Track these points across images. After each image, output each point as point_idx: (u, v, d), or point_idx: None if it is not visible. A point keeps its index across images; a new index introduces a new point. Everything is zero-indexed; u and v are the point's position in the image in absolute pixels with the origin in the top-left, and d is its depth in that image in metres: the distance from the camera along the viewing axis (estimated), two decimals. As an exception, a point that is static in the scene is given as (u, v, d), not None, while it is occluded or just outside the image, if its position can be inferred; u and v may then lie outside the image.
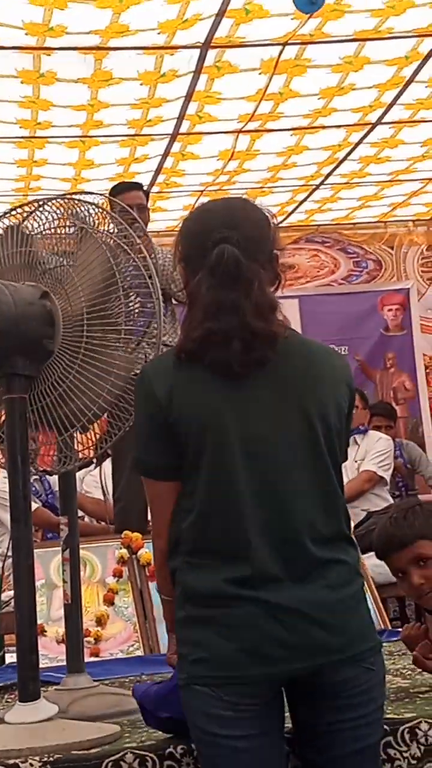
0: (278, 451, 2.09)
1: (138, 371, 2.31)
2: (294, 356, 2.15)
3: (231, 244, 2.11)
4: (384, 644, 2.32)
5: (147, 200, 5.21)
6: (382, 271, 8.95)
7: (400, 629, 4.78)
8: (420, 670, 2.94)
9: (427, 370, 8.78)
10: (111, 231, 2.77)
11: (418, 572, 2.57)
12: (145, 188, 5.39)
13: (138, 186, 5.23)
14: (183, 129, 6.42)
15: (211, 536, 2.07)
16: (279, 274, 2.19)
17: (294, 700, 2.11)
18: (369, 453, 6.02)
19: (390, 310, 8.82)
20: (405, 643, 2.74)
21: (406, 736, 2.31)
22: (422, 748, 2.30)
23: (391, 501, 6.18)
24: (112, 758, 2.25)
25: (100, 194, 3.03)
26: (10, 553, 2.75)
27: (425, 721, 2.33)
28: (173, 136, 6.50)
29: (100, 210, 2.76)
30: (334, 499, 2.14)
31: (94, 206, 2.77)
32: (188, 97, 5.94)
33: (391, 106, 6.40)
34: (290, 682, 2.08)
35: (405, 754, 2.30)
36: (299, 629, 2.02)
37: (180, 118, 6.22)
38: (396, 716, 2.32)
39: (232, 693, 2.01)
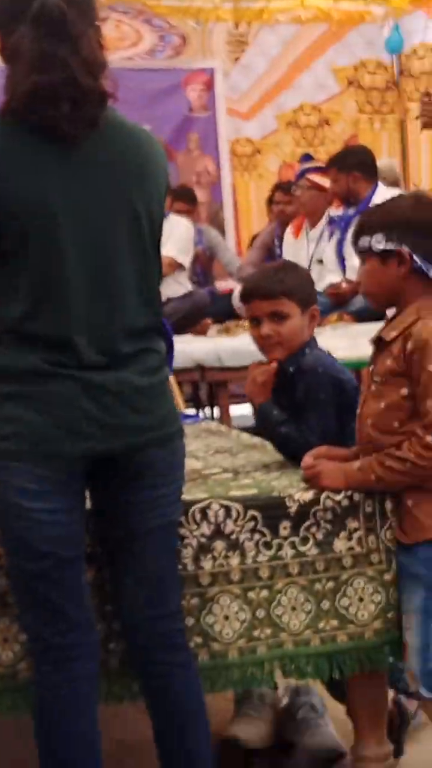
0: (106, 241, 2.07)
1: None
2: (120, 138, 2.09)
3: None
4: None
5: None
6: (188, 48, 8.62)
7: (192, 412, 4.90)
8: (213, 450, 3.01)
9: (232, 154, 8.66)
10: None
11: (271, 325, 2.70)
12: None
13: None
14: None
15: (31, 321, 2.04)
16: (102, 46, 2.08)
17: (101, 478, 2.16)
18: (169, 238, 5.94)
19: (195, 89, 8.56)
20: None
21: (198, 516, 2.35)
22: (212, 527, 2.36)
23: (190, 288, 6.19)
24: None
25: None
26: None
27: (216, 502, 2.37)
28: None
29: None
30: (153, 291, 2.17)
31: None
32: None
33: None
34: (99, 461, 2.12)
35: (195, 533, 2.35)
36: (114, 409, 2.07)
37: None
38: (188, 497, 2.35)
39: (44, 468, 2.04)
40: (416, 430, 2.33)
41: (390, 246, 2.40)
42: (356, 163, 5.59)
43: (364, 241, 2.45)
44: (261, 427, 2.81)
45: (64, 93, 1.99)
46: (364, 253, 2.47)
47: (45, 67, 1.98)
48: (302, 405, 2.68)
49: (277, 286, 2.70)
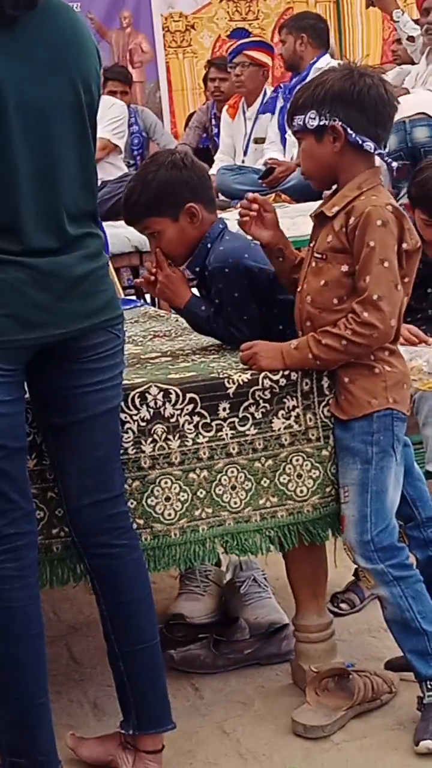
0: (51, 124, 2.04)
1: None
2: (58, 19, 2.06)
3: None
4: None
5: None
6: None
7: (133, 297, 4.87)
8: (151, 335, 3.00)
9: (165, 31, 8.42)
10: None
11: (153, 243, 2.68)
12: None
13: None
14: None
15: None
16: None
17: (41, 366, 2.16)
18: (102, 120, 5.80)
19: (125, -37, 8.27)
20: None
21: (137, 401, 2.36)
22: (151, 411, 2.37)
23: (126, 170, 6.08)
24: None
25: None
26: None
27: (155, 386, 2.38)
28: None
29: None
30: (91, 175, 2.16)
31: None
32: None
33: None
34: (45, 349, 2.12)
35: (135, 418, 2.36)
36: (60, 295, 2.08)
37: None
38: (127, 382, 2.35)
39: None
40: (353, 306, 2.34)
41: (323, 121, 2.36)
42: (309, 25, 5.43)
43: (299, 120, 2.40)
44: (192, 325, 2.77)
45: None
46: (300, 133, 2.43)
47: None
48: (220, 306, 2.64)
49: (135, 212, 2.63)
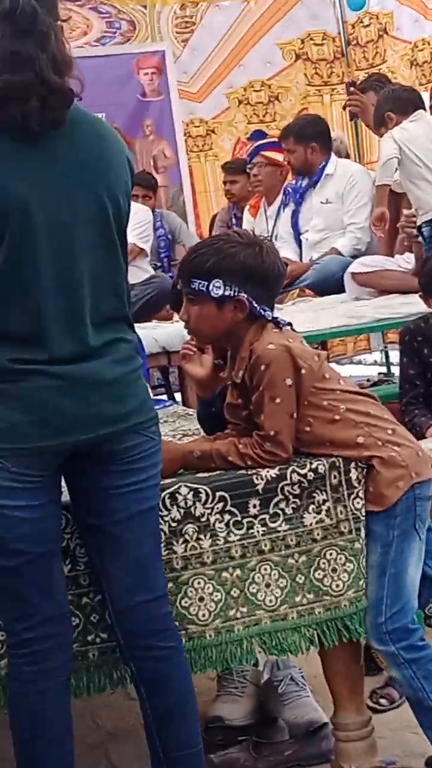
0: (75, 237, 2.10)
1: None
2: (84, 132, 2.13)
3: None
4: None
5: None
6: (136, 33, 8.56)
7: (163, 397, 4.90)
8: (181, 434, 3.03)
9: (186, 137, 8.63)
10: None
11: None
12: None
13: None
14: None
15: (2, 319, 2.07)
16: (65, 43, 2.10)
17: (79, 468, 2.18)
18: (128, 225, 5.92)
19: (146, 74, 8.50)
20: None
21: (167, 501, 2.37)
22: (182, 510, 2.38)
23: (152, 272, 6.19)
24: None
25: None
26: None
27: (184, 485, 2.39)
28: None
29: None
30: (120, 282, 2.20)
31: None
32: None
33: None
34: (77, 452, 2.14)
35: (166, 518, 2.37)
36: (88, 400, 2.11)
37: None
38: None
39: (21, 464, 2.07)
40: (256, 436, 2.43)
41: (227, 292, 2.45)
42: (315, 133, 5.54)
43: (200, 285, 2.46)
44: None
45: (33, 91, 2.02)
46: (199, 297, 2.48)
47: (16, 65, 2.01)
48: None
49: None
